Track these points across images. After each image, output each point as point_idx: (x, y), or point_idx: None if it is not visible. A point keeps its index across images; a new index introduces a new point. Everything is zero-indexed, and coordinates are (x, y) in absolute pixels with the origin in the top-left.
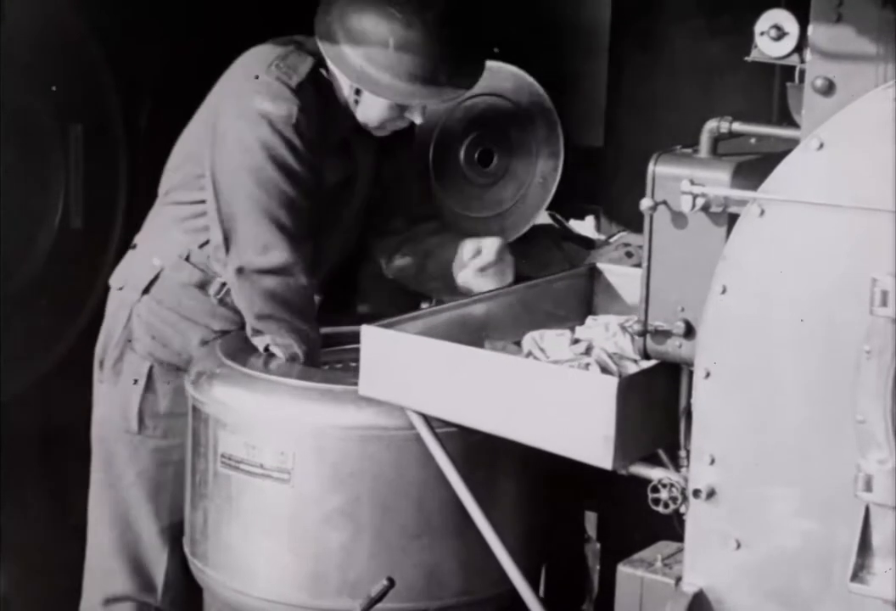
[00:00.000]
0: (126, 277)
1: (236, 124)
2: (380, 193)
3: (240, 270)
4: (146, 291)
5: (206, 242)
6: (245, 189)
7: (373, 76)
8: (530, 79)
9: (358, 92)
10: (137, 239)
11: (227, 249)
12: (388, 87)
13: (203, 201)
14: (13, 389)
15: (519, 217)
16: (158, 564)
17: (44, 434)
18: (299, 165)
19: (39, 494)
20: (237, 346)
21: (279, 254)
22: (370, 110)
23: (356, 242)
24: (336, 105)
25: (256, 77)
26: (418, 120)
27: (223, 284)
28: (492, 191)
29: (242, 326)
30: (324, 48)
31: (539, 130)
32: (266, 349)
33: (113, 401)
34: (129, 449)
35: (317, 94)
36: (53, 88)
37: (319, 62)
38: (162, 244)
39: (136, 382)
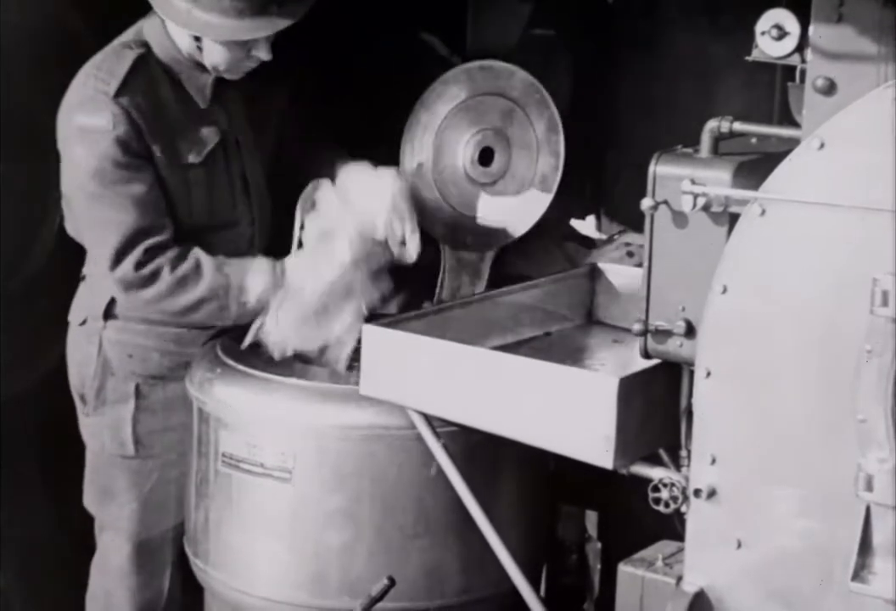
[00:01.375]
0: (85, 309)
1: (65, 143)
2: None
3: (123, 287)
4: (107, 314)
5: None
6: (80, 205)
7: (201, 18)
8: (531, 78)
9: (198, 39)
10: (85, 270)
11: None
12: (218, 26)
13: None
14: (13, 389)
15: (520, 217)
16: (164, 583)
17: (44, 434)
18: (127, 173)
19: (39, 494)
20: (237, 345)
21: (130, 260)
22: (213, 55)
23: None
24: (184, 76)
25: (76, 91)
26: (265, 56)
27: None
28: (492, 190)
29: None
30: (154, 4)
31: (540, 130)
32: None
33: (103, 431)
34: (129, 475)
35: (150, 80)
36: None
37: (145, 53)
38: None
39: (125, 404)
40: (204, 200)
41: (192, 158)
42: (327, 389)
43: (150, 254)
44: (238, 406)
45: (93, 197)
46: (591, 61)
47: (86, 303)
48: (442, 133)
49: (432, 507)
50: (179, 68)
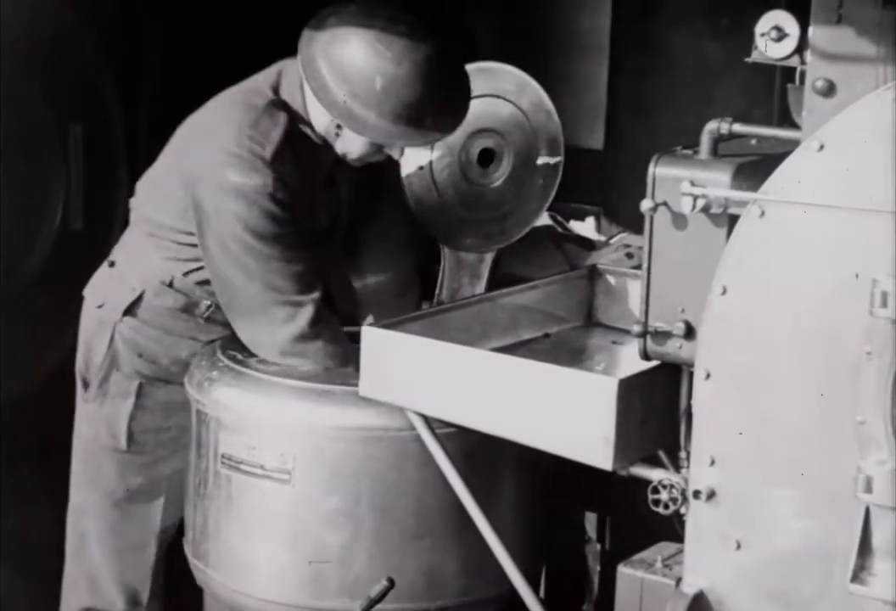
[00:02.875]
0: (105, 294)
1: (214, 198)
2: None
3: (282, 352)
4: (127, 311)
5: (192, 271)
6: (233, 256)
7: (357, 114)
8: (531, 80)
9: (339, 127)
10: (115, 256)
11: (233, 319)
12: (373, 127)
13: (188, 244)
14: (14, 390)
15: (519, 219)
16: (145, 580)
17: (44, 434)
18: (282, 229)
19: (39, 494)
20: (238, 347)
21: (298, 319)
22: (351, 145)
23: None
24: (314, 145)
25: (228, 149)
26: (398, 156)
27: (209, 306)
28: (492, 192)
29: (233, 333)
30: (307, 79)
31: (539, 131)
32: None
33: (100, 420)
34: (118, 467)
35: (294, 151)
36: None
37: (292, 119)
38: (143, 268)
39: (125, 400)
40: (318, 264)
41: (324, 222)
42: (326, 390)
43: (318, 309)
44: (237, 407)
45: (253, 251)
46: None
47: (108, 290)
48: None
49: (431, 508)
50: (306, 140)
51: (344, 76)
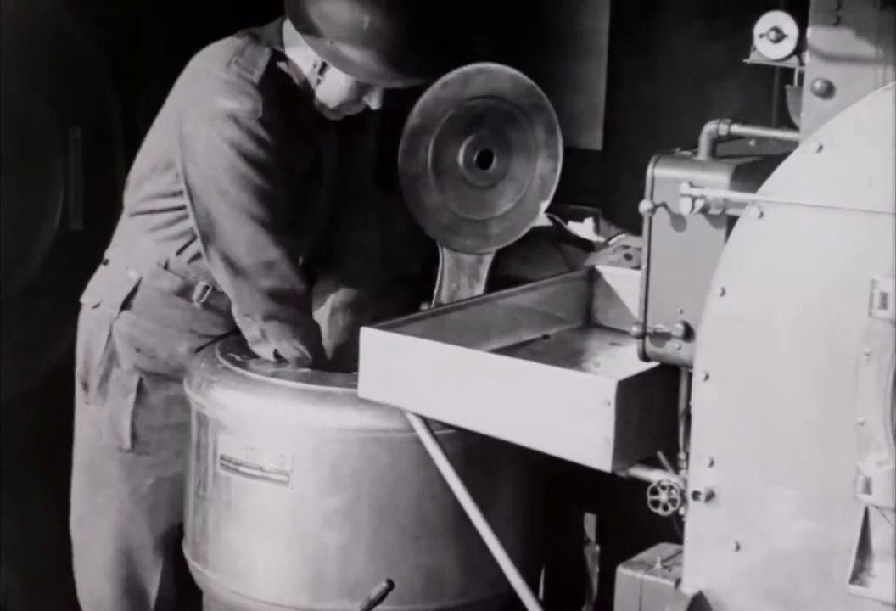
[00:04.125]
0: (101, 293)
1: (203, 127)
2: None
3: (235, 271)
4: (124, 305)
5: (184, 248)
6: (220, 189)
7: (343, 54)
8: (529, 81)
9: (321, 71)
10: (108, 254)
11: (207, 251)
12: (359, 66)
13: (175, 209)
14: (13, 390)
15: (517, 220)
16: (152, 584)
17: (43, 435)
18: (270, 158)
19: (39, 494)
20: (237, 349)
21: (266, 251)
22: (332, 90)
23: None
24: (295, 95)
25: (217, 75)
26: (376, 105)
27: (206, 288)
28: (491, 193)
29: (228, 328)
30: (294, 22)
31: (538, 132)
32: (276, 355)
33: (102, 420)
34: (122, 468)
35: (277, 85)
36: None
37: (275, 54)
38: (137, 255)
39: (126, 397)
40: (290, 209)
41: (302, 166)
42: (325, 391)
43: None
44: (236, 409)
45: (245, 176)
46: None
47: (104, 288)
48: (440, 136)
49: (431, 509)
50: (293, 88)
51: (331, 17)
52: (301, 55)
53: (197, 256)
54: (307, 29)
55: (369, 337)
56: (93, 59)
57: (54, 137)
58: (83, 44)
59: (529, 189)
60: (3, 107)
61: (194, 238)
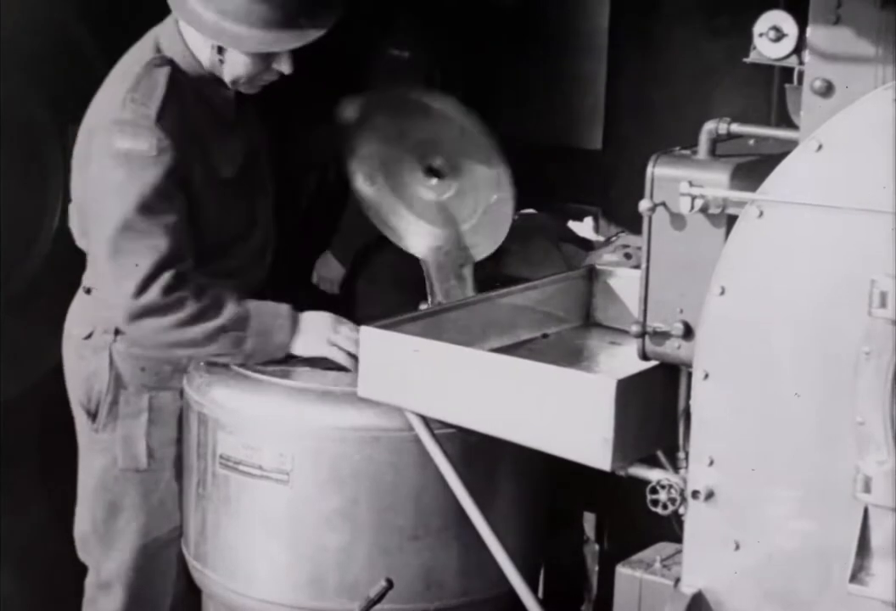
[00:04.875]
0: (92, 321)
1: (101, 165)
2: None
3: (144, 313)
4: (119, 330)
5: None
6: (107, 229)
7: (229, 29)
8: (460, 109)
9: (220, 51)
10: (88, 283)
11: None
12: (248, 38)
13: None
14: (13, 390)
15: (491, 231)
16: (166, 594)
17: (43, 435)
18: (166, 199)
19: (39, 494)
20: None
21: (151, 294)
22: (236, 68)
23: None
24: (210, 89)
25: (114, 116)
26: (286, 69)
27: None
28: (451, 205)
29: None
30: (176, 11)
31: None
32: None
33: (116, 446)
34: (140, 488)
35: (181, 94)
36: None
37: (174, 67)
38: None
39: (138, 417)
40: (235, 213)
41: (228, 172)
42: (325, 390)
43: (178, 280)
44: (236, 408)
45: (125, 220)
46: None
47: (93, 316)
48: (390, 155)
49: (430, 508)
50: (202, 83)
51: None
52: (199, 44)
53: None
54: (189, 16)
55: (369, 336)
56: (92, 57)
57: (54, 137)
58: (83, 42)
59: (488, 207)
60: (3, 106)
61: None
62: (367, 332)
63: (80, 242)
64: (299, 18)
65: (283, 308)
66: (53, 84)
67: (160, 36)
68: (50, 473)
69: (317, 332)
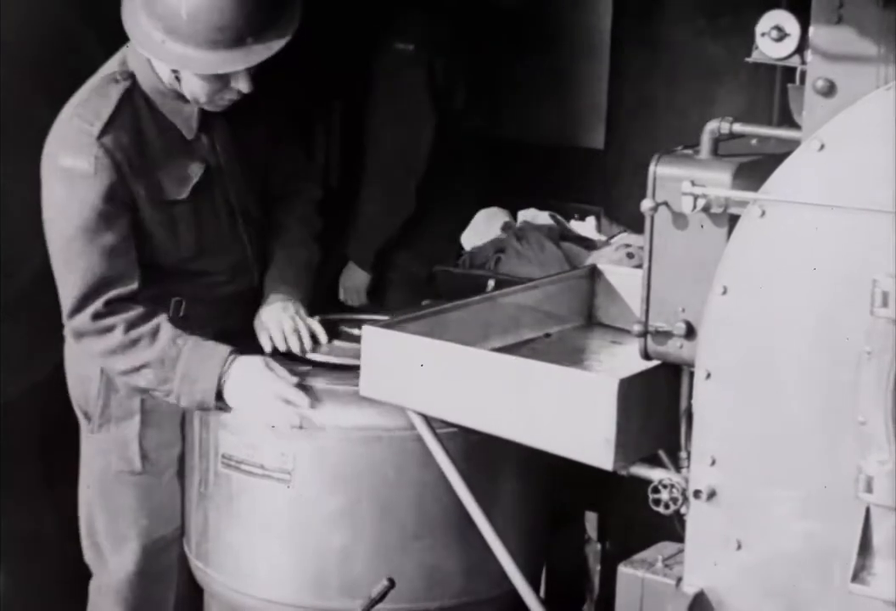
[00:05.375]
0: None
1: (46, 179)
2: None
3: (76, 335)
4: None
5: (145, 281)
6: (53, 242)
7: (175, 50)
8: None
9: (175, 70)
10: None
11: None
12: (194, 59)
13: None
14: (14, 390)
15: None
16: (170, 591)
17: (43, 435)
18: (104, 219)
19: (39, 494)
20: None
21: (83, 314)
22: (192, 87)
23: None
24: (168, 106)
25: (60, 130)
26: (245, 88)
27: (179, 303)
28: None
29: (214, 329)
30: (127, 29)
31: None
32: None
33: (110, 447)
34: (138, 491)
35: (135, 110)
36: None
37: (133, 83)
38: None
39: (130, 420)
40: (191, 233)
41: (177, 195)
42: (327, 389)
43: (111, 307)
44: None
45: (66, 239)
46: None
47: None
48: None
49: (432, 508)
50: (164, 100)
51: (156, 14)
52: (158, 62)
53: (161, 280)
54: (139, 34)
55: (371, 335)
56: (94, 56)
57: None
58: (85, 42)
59: None
60: (4, 105)
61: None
62: (369, 331)
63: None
64: (245, 39)
65: (220, 351)
66: (54, 83)
67: (129, 50)
68: (50, 473)
69: (246, 380)
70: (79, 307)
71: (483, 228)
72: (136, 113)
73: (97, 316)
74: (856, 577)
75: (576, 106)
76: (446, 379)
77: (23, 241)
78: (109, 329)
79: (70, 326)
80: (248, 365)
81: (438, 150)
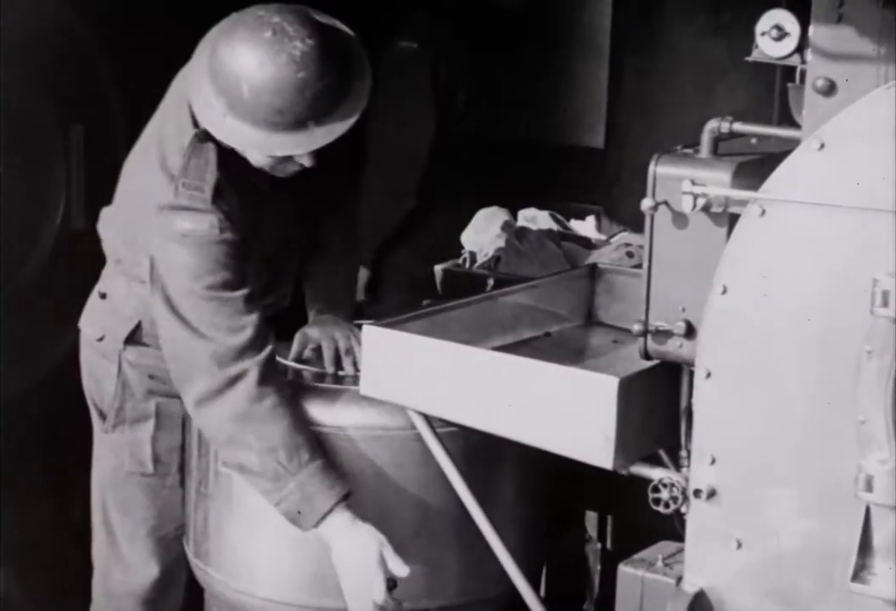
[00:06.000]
0: (103, 327)
1: (165, 250)
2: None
3: (197, 402)
4: (129, 339)
5: None
6: (181, 315)
7: (234, 126)
8: None
9: None
10: (104, 287)
11: (179, 382)
12: (252, 139)
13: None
14: (14, 389)
15: None
16: (179, 597)
17: (44, 434)
18: (231, 273)
19: (39, 494)
20: None
21: (245, 381)
22: (255, 158)
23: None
24: (244, 164)
25: (168, 201)
26: (308, 163)
27: None
28: None
29: None
30: (191, 96)
31: None
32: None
33: (123, 447)
34: (148, 492)
35: (227, 168)
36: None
37: (207, 132)
38: (133, 300)
39: (145, 423)
40: (261, 282)
41: (270, 247)
42: (327, 389)
43: (268, 370)
44: None
45: (202, 301)
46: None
47: (106, 322)
48: None
49: (432, 507)
50: (238, 156)
51: (219, 85)
52: None
53: None
54: (201, 106)
55: (372, 334)
56: (95, 56)
57: (56, 135)
58: (85, 41)
59: None
60: (5, 105)
61: None
62: (369, 330)
63: (110, 246)
64: (307, 122)
65: (342, 487)
66: (56, 83)
67: (192, 100)
68: (52, 472)
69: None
70: (235, 358)
71: (483, 228)
72: (227, 169)
73: (262, 378)
74: (856, 576)
75: (576, 106)
76: (446, 378)
77: (23, 241)
78: (266, 394)
79: (220, 377)
80: (359, 526)
81: (438, 150)
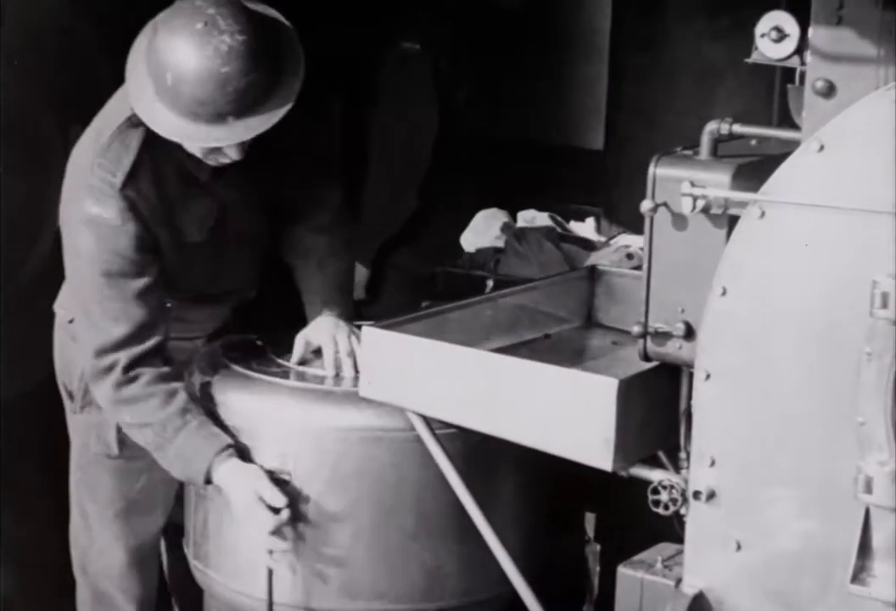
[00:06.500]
0: (72, 310)
1: (70, 227)
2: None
3: (97, 376)
4: None
5: None
6: (84, 289)
7: (160, 113)
8: None
9: None
10: None
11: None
12: (174, 126)
13: None
14: (14, 390)
15: None
16: (153, 588)
17: (44, 435)
18: (133, 265)
19: (39, 494)
20: (238, 347)
21: (115, 371)
22: (186, 145)
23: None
24: (180, 152)
25: (83, 179)
26: (235, 156)
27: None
28: None
29: (204, 331)
30: (127, 76)
31: None
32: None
33: (90, 428)
34: (114, 474)
35: (154, 156)
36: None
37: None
38: None
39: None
40: (205, 267)
41: (197, 238)
42: (327, 390)
43: (142, 358)
44: (238, 408)
45: (97, 285)
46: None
47: (73, 305)
48: None
49: (431, 509)
50: (174, 145)
51: (151, 70)
52: None
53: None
54: (135, 89)
55: (371, 336)
56: (95, 56)
57: (56, 136)
58: (85, 41)
59: None
60: (5, 105)
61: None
62: (368, 331)
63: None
64: (227, 117)
65: (220, 440)
66: (55, 83)
67: (127, 79)
68: (52, 472)
69: (232, 483)
70: (111, 349)
71: (483, 229)
72: (155, 158)
73: (129, 366)
74: (855, 578)
75: (575, 106)
76: (446, 380)
77: (23, 241)
78: (133, 379)
79: (96, 365)
80: (239, 470)
81: (439, 150)
